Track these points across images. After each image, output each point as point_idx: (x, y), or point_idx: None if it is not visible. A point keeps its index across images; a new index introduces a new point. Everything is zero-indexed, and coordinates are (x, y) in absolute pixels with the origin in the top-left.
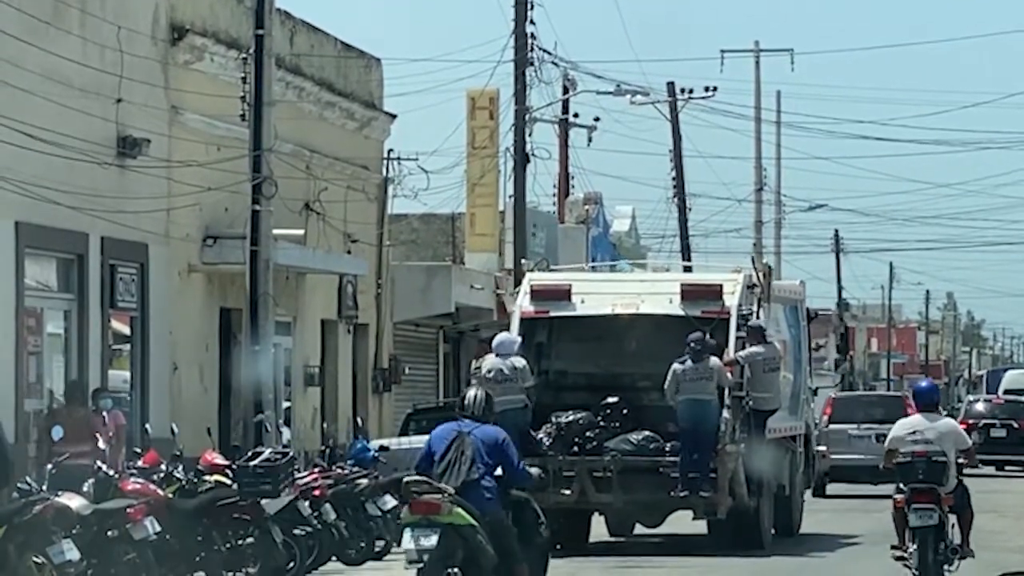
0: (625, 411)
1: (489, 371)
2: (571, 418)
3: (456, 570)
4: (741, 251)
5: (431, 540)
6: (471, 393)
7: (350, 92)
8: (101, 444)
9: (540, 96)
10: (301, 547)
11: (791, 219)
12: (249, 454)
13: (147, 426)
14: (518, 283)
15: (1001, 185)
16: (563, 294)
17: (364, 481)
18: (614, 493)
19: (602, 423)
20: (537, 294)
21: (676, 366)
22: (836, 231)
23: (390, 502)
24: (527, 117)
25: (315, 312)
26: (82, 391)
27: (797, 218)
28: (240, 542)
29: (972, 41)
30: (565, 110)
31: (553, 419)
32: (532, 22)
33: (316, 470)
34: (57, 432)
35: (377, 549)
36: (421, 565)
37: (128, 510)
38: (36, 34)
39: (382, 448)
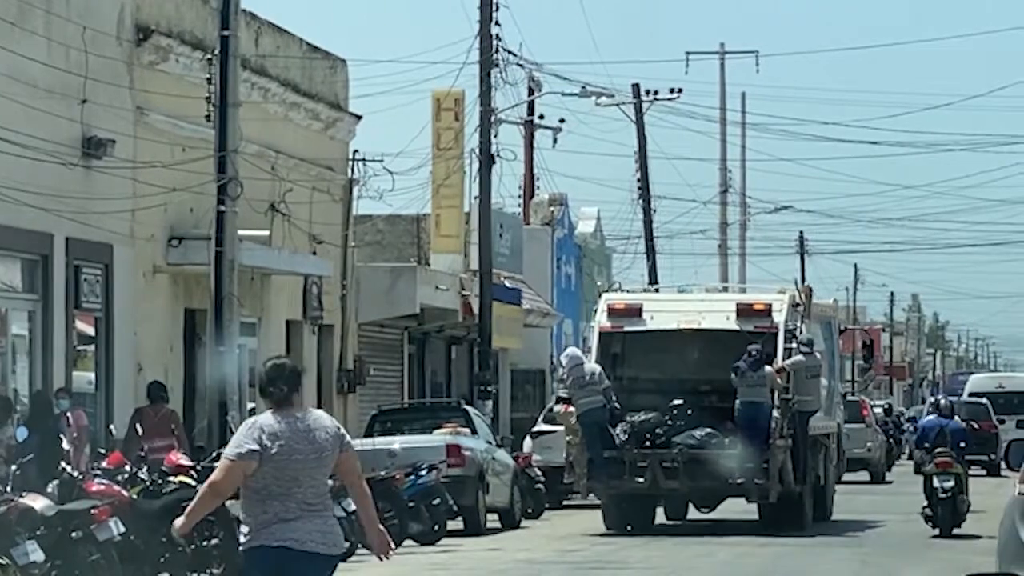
0: (689, 412)
1: (573, 379)
2: (643, 418)
3: None
4: (707, 252)
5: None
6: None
7: (315, 93)
8: (65, 445)
9: (505, 97)
10: None
11: (756, 220)
12: (214, 455)
13: (112, 427)
14: (483, 283)
15: (966, 187)
16: (635, 312)
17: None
18: (680, 480)
19: (669, 422)
20: (613, 312)
21: (737, 370)
22: (801, 232)
23: (354, 503)
24: (492, 118)
25: (280, 313)
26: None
27: (762, 219)
28: (205, 543)
29: (936, 44)
30: (530, 111)
31: (628, 418)
32: (497, 23)
33: None
34: (21, 433)
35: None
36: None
37: (92, 511)
38: (0, 35)
39: None
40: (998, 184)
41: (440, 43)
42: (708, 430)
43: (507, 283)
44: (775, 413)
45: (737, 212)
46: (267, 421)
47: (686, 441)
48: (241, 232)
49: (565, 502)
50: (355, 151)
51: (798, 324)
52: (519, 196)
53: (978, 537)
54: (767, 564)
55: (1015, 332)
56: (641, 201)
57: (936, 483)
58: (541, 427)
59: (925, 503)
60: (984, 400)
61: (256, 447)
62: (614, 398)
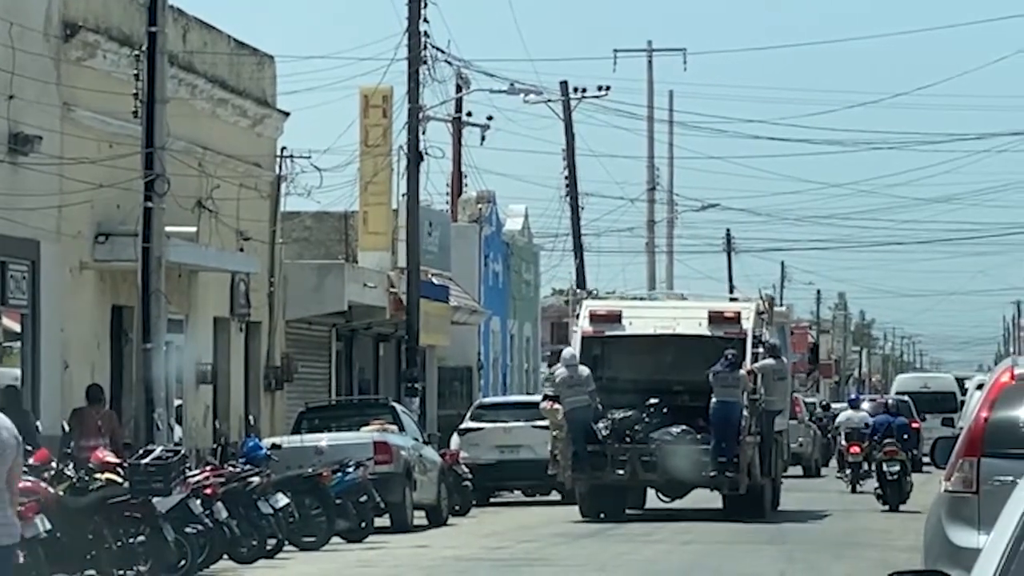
0: (665, 410)
1: (560, 377)
2: (622, 415)
3: None
4: (634, 250)
5: None
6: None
7: (243, 89)
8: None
9: (434, 94)
10: (193, 545)
11: (683, 218)
12: (141, 452)
13: (37, 424)
14: (411, 281)
15: (892, 185)
16: (615, 318)
17: (256, 479)
18: (658, 473)
19: (646, 419)
20: (595, 318)
21: (712, 372)
22: (728, 230)
23: (282, 500)
24: (420, 115)
25: (207, 310)
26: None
27: (689, 217)
28: (131, 540)
29: (862, 42)
30: (458, 109)
31: (608, 416)
32: (426, 20)
33: (208, 468)
34: None
35: (269, 547)
36: None
37: (18, 508)
38: None
39: (274, 446)
40: (923, 183)
41: (368, 40)
42: (683, 427)
43: (435, 280)
44: (745, 412)
45: (665, 210)
46: None
47: (663, 437)
48: (168, 229)
49: (492, 499)
50: (283, 148)
51: (763, 330)
52: (447, 193)
53: (917, 512)
54: (692, 561)
55: (941, 330)
56: (569, 199)
57: (885, 468)
58: (468, 424)
59: (876, 485)
60: (906, 398)
61: None
62: (597, 398)
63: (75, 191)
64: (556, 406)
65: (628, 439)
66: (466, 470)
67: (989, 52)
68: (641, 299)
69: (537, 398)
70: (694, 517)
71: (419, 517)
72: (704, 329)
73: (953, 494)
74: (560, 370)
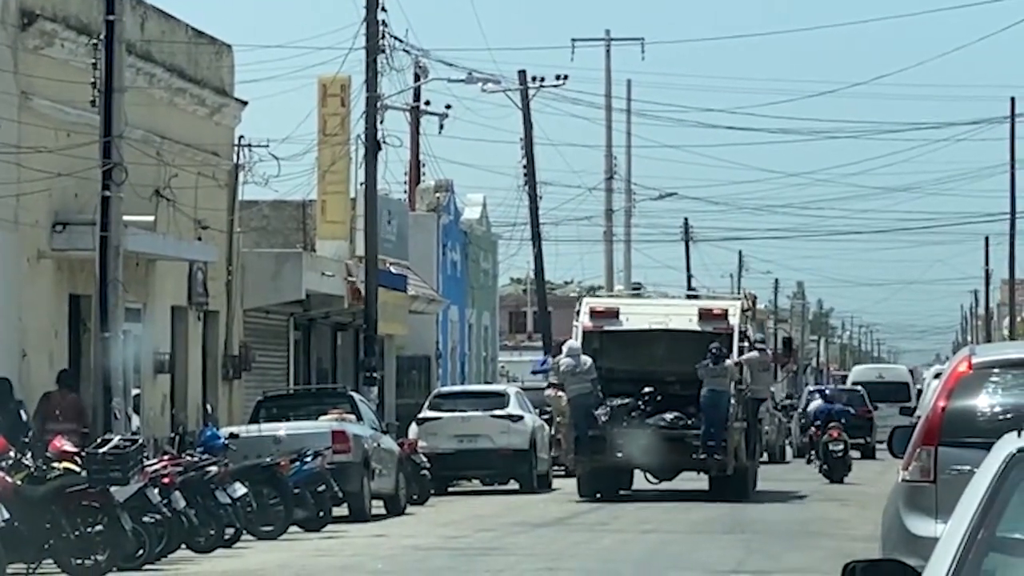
0: (658, 398)
1: (565, 367)
2: (620, 402)
3: None
4: (592, 239)
5: None
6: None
7: (201, 79)
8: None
9: (391, 83)
10: (150, 534)
11: (641, 207)
12: (98, 441)
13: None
14: (369, 270)
15: (849, 174)
16: (613, 314)
17: (214, 468)
18: (652, 456)
19: (642, 406)
20: (594, 313)
21: (703, 364)
22: (686, 219)
23: (240, 489)
24: (378, 104)
25: (165, 299)
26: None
27: (647, 206)
28: (89, 529)
29: (818, 32)
30: (416, 98)
31: (607, 403)
32: (384, 9)
33: (166, 457)
34: None
35: (227, 536)
36: None
37: None
38: None
39: (232, 435)
40: (880, 172)
41: (326, 29)
42: (676, 414)
43: (393, 269)
44: (732, 400)
45: (622, 199)
46: None
47: (657, 423)
48: (126, 218)
49: (450, 488)
50: (240, 137)
51: (747, 326)
52: (405, 182)
53: (868, 500)
54: (650, 551)
55: (898, 319)
56: (527, 188)
57: (831, 447)
58: (427, 413)
59: (821, 461)
60: (860, 388)
61: None
62: (598, 386)
63: (32, 180)
64: (560, 394)
65: (625, 424)
66: (424, 459)
67: (947, 41)
68: (637, 296)
69: (496, 387)
70: (680, 498)
71: (377, 506)
72: (695, 325)
73: (911, 483)
74: (565, 360)
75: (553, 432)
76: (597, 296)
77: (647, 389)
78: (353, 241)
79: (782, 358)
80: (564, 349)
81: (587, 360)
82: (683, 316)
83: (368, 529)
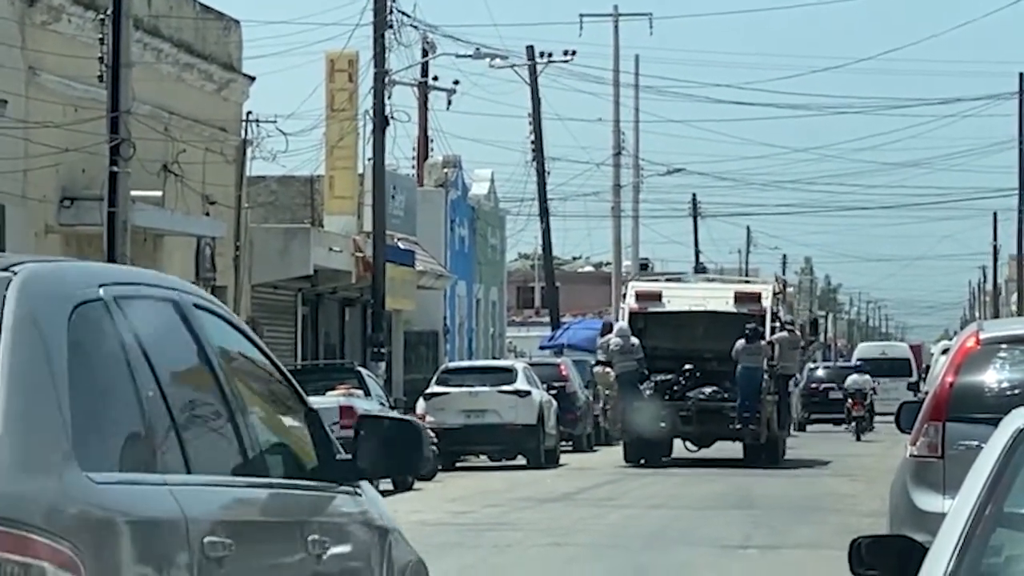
0: (697, 374)
1: (615, 345)
2: (663, 378)
3: None
4: (600, 214)
5: None
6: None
7: (209, 54)
8: None
9: (399, 59)
10: None
11: (649, 183)
12: None
13: None
14: (377, 245)
15: (858, 150)
16: (656, 296)
17: None
18: (692, 426)
19: (682, 381)
20: (640, 296)
21: (739, 343)
22: (694, 195)
23: None
24: (386, 80)
25: (173, 274)
26: None
27: (655, 182)
28: None
29: (827, 6)
30: (424, 73)
31: (651, 379)
32: None
33: None
34: None
35: None
36: None
37: None
38: None
39: None
40: (889, 147)
41: (334, 4)
42: (713, 388)
43: (400, 245)
44: (765, 376)
45: (630, 174)
46: None
47: (697, 396)
48: (134, 193)
49: (458, 464)
50: (248, 112)
51: (779, 308)
52: (413, 158)
53: (865, 457)
54: (658, 526)
55: (906, 295)
56: (535, 163)
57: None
58: (434, 389)
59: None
60: (859, 363)
61: None
62: (644, 364)
63: (40, 155)
64: (607, 370)
65: (668, 398)
66: (432, 435)
67: (956, 16)
68: (678, 280)
69: (504, 362)
70: (714, 465)
71: (385, 482)
72: (731, 306)
73: (918, 459)
74: (614, 339)
75: (602, 404)
76: (642, 280)
77: (687, 366)
78: (361, 216)
79: (809, 337)
80: (615, 329)
81: (634, 340)
82: (720, 299)
83: None
